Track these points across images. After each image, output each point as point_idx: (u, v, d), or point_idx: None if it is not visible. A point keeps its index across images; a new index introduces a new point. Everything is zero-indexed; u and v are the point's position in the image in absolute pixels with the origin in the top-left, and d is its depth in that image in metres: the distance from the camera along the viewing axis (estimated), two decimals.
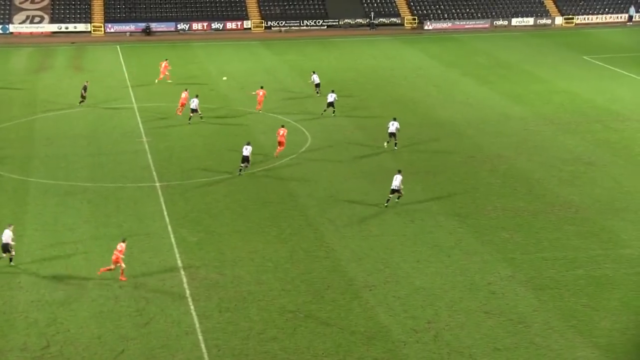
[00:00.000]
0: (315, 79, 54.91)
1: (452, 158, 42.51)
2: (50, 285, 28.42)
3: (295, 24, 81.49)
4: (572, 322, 26.43)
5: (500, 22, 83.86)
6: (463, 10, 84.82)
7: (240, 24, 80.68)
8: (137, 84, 57.81)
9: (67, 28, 78.24)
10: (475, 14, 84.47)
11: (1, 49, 70.18)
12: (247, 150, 39.00)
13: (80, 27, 78.49)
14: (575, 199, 36.82)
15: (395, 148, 43.37)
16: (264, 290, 28.28)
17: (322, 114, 49.43)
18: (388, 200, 35.51)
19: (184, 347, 24.86)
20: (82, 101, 51.19)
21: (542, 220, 34.45)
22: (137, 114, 50.31)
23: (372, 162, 41.85)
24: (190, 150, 43.53)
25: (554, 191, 37.77)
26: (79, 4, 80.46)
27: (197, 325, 26.01)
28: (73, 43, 73.80)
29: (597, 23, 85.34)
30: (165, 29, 79.39)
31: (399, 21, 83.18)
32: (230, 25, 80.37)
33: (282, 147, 41.52)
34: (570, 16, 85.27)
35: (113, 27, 78.70)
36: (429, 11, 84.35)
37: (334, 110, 49.44)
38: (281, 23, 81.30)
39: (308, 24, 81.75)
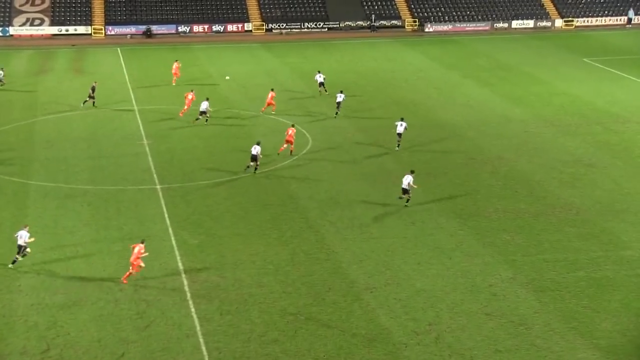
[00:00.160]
0: (319, 77, 55.21)
1: (453, 160, 42.51)
2: (50, 288, 28.39)
3: (296, 27, 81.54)
4: (573, 323, 26.42)
5: (500, 25, 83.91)
6: (463, 13, 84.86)
7: (241, 27, 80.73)
8: (138, 86, 57.84)
9: (67, 30, 78.29)
10: (475, 17, 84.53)
11: (1, 52, 70.19)
12: (255, 150, 39.23)
13: (81, 29, 78.56)
14: (575, 200, 36.81)
15: (397, 149, 43.43)
16: (264, 292, 28.26)
17: (334, 116, 49.67)
18: (400, 198, 35.66)
19: (184, 350, 24.83)
20: (88, 101, 51.27)
21: (543, 222, 34.44)
22: (138, 116, 50.33)
23: (373, 164, 41.85)
24: (191, 152, 43.54)
25: (555, 193, 37.76)
26: (80, 7, 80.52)
27: (198, 327, 25.98)
28: (73, 45, 73.84)
29: (597, 25, 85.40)
30: (166, 32, 79.45)
31: (400, 23, 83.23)
32: (231, 27, 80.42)
33: (286, 146, 41.80)
34: (570, 19, 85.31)
35: (114, 30, 78.77)
36: (430, 13, 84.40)
37: (337, 112, 49.70)
38: (282, 25, 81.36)
39: (309, 26, 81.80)
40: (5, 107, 52.35)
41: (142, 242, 29.34)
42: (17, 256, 29.59)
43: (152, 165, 41.33)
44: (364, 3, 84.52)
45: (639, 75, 61.84)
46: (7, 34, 77.25)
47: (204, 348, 24.89)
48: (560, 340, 25.45)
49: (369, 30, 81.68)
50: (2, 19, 78.30)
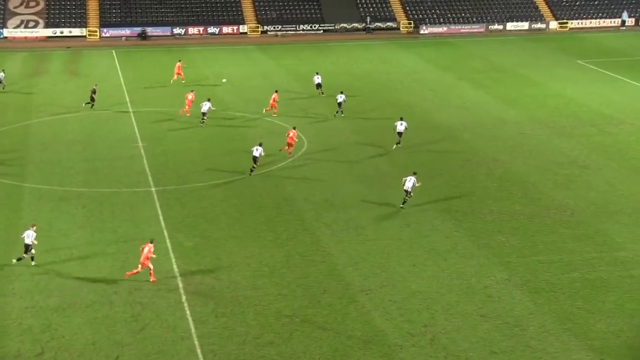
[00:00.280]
0: (317, 79, 55.61)
1: (449, 161, 42.56)
2: (45, 291, 28.34)
3: (292, 29, 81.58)
4: (567, 325, 26.48)
5: (495, 27, 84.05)
6: (458, 15, 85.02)
7: (237, 29, 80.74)
8: (133, 88, 57.79)
9: (62, 33, 78.19)
10: (470, 19, 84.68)
11: None
12: (257, 151, 39.42)
13: (76, 31, 78.45)
14: (570, 202, 36.89)
15: (394, 148, 43.70)
16: (260, 295, 28.25)
17: (334, 115, 50.15)
18: (404, 202, 35.84)
19: (179, 352, 24.80)
20: (89, 103, 51.37)
21: (537, 223, 34.51)
22: (133, 118, 50.27)
23: (368, 166, 41.88)
24: (186, 154, 43.50)
25: (550, 194, 37.84)
26: (74, 9, 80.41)
27: (193, 330, 25.96)
28: (68, 47, 73.73)
29: (591, 27, 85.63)
30: (161, 34, 79.40)
31: (395, 25, 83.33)
32: (226, 29, 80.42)
33: (287, 148, 42.06)
34: (564, 21, 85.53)
35: (108, 32, 78.68)
36: (425, 15, 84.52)
37: (337, 111, 50.18)
38: (277, 27, 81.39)
39: (304, 28, 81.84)
40: None
41: (151, 242, 29.48)
42: (24, 255, 29.75)
43: (147, 167, 41.29)
44: (359, 5, 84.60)
45: (632, 77, 62.02)
46: (2, 36, 77.09)
47: (199, 350, 24.86)
48: (555, 342, 25.50)
49: (364, 32, 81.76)
50: None
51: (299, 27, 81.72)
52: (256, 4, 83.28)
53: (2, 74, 56.95)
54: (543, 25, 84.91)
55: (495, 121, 50.24)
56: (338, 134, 47.41)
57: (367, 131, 47.79)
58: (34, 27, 78.35)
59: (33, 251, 29.85)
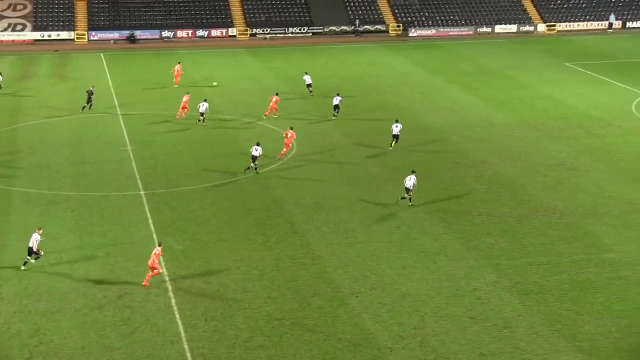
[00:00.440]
0: (307, 79, 56.21)
1: (437, 164, 42.68)
2: (33, 295, 28.20)
3: (280, 32, 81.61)
4: (556, 326, 26.60)
5: (483, 29, 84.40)
6: (447, 18, 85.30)
7: (225, 32, 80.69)
8: (122, 92, 57.63)
9: (50, 36, 77.88)
10: (459, 21, 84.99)
11: None
12: (257, 151, 39.73)
13: (64, 34, 78.15)
14: (559, 204, 37.07)
15: (390, 148, 44.21)
16: (250, 298, 28.23)
17: (334, 117, 50.60)
18: (403, 198, 36.22)
19: (169, 356, 24.74)
20: (86, 107, 51.25)
21: (526, 225, 34.66)
22: (122, 122, 50.13)
23: (357, 168, 41.94)
24: (176, 158, 43.42)
25: (538, 197, 38.01)
26: (62, 12, 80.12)
27: (183, 334, 25.90)
28: (56, 51, 73.44)
29: (579, 30, 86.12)
30: (149, 37, 79.22)
31: (384, 28, 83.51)
32: (215, 32, 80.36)
33: (285, 150, 42.46)
34: (552, 23, 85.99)
35: (97, 35, 78.43)
36: (414, 18, 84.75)
37: (335, 114, 50.62)
38: (266, 30, 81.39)
39: (293, 31, 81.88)
40: None
41: (160, 245, 29.46)
42: (28, 257, 29.77)
43: (136, 171, 41.18)
44: (348, 8, 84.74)
45: (619, 79, 62.41)
46: None
47: (188, 354, 24.81)
48: (543, 343, 25.62)
49: (353, 35, 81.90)
50: None
51: (288, 30, 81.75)
52: (245, 7, 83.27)
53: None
54: (531, 28, 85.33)
55: (484, 123, 50.43)
56: (327, 136, 47.46)
57: (356, 133, 47.85)
58: (22, 30, 77.99)
59: (41, 253, 29.91)
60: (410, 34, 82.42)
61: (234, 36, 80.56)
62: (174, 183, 39.43)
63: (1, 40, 76.91)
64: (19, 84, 59.98)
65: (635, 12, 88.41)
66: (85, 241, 32.60)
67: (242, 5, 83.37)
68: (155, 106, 53.57)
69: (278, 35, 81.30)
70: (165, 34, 79.48)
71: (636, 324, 26.77)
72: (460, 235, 33.62)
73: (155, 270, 28.80)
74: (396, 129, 44.29)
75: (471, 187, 39.20)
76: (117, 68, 66.15)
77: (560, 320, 26.98)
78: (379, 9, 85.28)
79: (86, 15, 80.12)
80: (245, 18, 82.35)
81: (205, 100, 48.87)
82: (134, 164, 42.19)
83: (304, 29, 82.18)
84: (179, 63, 60.19)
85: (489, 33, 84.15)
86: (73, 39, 77.84)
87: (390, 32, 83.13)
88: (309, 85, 56.33)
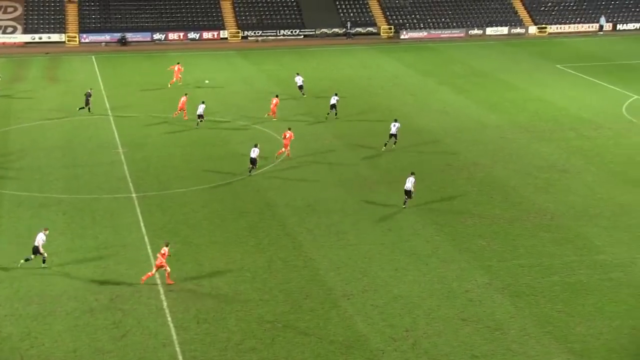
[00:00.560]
0: (298, 80, 56.68)
1: (429, 166, 42.75)
2: (24, 298, 28.08)
3: (272, 34, 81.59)
4: (548, 328, 26.67)
5: (475, 31, 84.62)
6: (438, 20, 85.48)
7: (217, 34, 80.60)
8: (113, 94, 57.49)
9: (40, 38, 77.58)
10: (450, 24, 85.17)
11: None
12: (254, 153, 39.99)
13: (55, 37, 77.87)
14: (550, 206, 37.19)
15: (394, 146, 44.78)
16: (242, 300, 28.20)
17: (326, 117, 50.99)
18: (405, 202, 36.49)
19: (161, 359, 24.67)
20: (83, 108, 51.19)
21: (518, 227, 34.75)
22: (113, 124, 50.01)
23: (349, 170, 41.96)
24: (167, 160, 43.34)
25: (530, 198, 38.12)
26: (53, 14, 79.85)
27: (175, 337, 25.85)
28: (47, 53, 73.19)
29: (570, 32, 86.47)
30: (141, 39, 79.04)
31: (375, 30, 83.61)
32: (206, 35, 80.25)
33: (283, 150, 42.81)
34: (543, 25, 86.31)
35: (88, 37, 78.19)
36: (405, 20, 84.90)
37: (335, 113, 51.18)
38: (258, 33, 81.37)
39: (285, 33, 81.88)
40: None
41: (167, 245, 29.53)
42: (32, 256, 29.95)
43: (128, 173, 41.08)
44: (340, 10, 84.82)
45: (610, 81, 62.69)
46: None
47: (180, 357, 24.75)
48: (535, 345, 25.68)
49: (345, 37, 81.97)
50: None
51: (279, 33, 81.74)
52: (236, 9, 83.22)
53: None
54: (522, 30, 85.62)
55: (475, 125, 50.55)
56: (319, 138, 47.47)
57: (348, 135, 47.88)
58: (12, 32, 77.68)
59: (45, 254, 30.08)
60: (402, 36, 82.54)
61: (226, 38, 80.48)
62: (165, 185, 39.36)
63: None
64: (10, 87, 59.72)
65: (626, 14, 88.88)
66: (77, 244, 32.50)
67: (234, 8, 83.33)
68: (147, 108, 53.47)
69: (270, 37, 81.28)
70: (157, 36, 79.33)
71: (627, 325, 26.88)
72: (452, 237, 33.67)
73: (166, 269, 28.88)
74: (394, 128, 44.75)
75: (463, 189, 39.28)
76: (109, 70, 65.99)
77: (551, 321, 27.05)
78: (371, 11, 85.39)
79: (77, 18, 79.88)
80: (236, 20, 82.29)
81: (203, 102, 49.24)
82: (125, 167, 42.09)
83: (295, 32, 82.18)
84: (178, 63, 60.49)
85: (480, 35, 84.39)
86: (64, 42, 77.57)
87: (381, 34, 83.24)
88: (300, 87, 56.54)
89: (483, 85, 61.79)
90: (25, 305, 27.59)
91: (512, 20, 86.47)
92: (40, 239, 30.04)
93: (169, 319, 26.87)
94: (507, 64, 69.90)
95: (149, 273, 29.02)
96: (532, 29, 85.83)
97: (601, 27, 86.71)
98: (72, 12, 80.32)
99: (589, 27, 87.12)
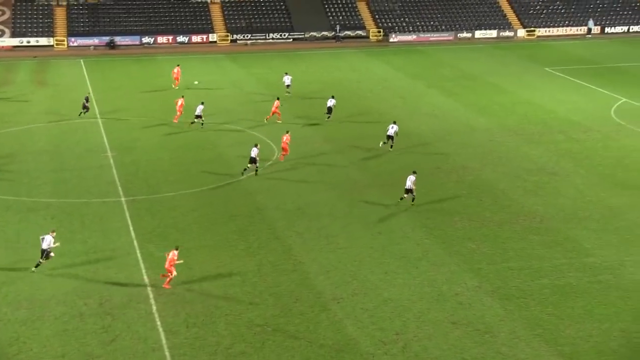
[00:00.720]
0: (287, 80, 57.09)
1: (419, 169, 42.57)
2: (13, 303, 27.89)
3: (261, 37, 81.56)
4: (537, 330, 26.72)
5: (464, 35, 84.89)
6: (427, 23, 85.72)
7: (206, 37, 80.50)
8: (102, 98, 57.27)
9: (28, 42, 77.23)
10: (439, 27, 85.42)
11: None
12: (253, 152, 40.14)
13: (43, 41, 77.51)
14: (539, 209, 37.30)
15: (390, 149, 44.86)
16: (231, 304, 28.11)
17: (326, 120, 51.38)
18: (402, 199, 36.86)
19: None
20: (83, 112, 51.06)
21: (507, 230, 34.83)
22: (102, 128, 49.81)
23: (339, 174, 41.95)
24: (156, 164, 43.20)
25: (519, 201, 38.22)
26: (41, 18, 79.51)
27: (164, 341, 25.73)
28: (35, 57, 72.86)
29: (558, 35, 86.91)
30: (129, 43, 78.83)
31: (365, 34, 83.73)
32: (195, 38, 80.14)
33: (285, 153, 42.97)
34: (532, 29, 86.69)
35: (76, 41, 77.89)
36: (394, 24, 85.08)
37: (329, 116, 51.42)
38: (247, 36, 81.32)
39: (274, 37, 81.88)
40: None
41: (176, 249, 29.40)
42: (41, 260, 29.70)
43: (117, 177, 40.91)
44: (329, 13, 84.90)
45: (599, 84, 63.01)
46: None
47: None
48: (525, 348, 25.72)
49: (334, 41, 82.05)
50: None
51: (268, 36, 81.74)
52: (225, 12, 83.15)
53: None
54: (511, 33, 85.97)
55: (465, 128, 50.67)
56: (309, 142, 47.44)
57: (338, 139, 47.89)
58: (0, 36, 77.26)
59: (52, 255, 29.94)
60: (391, 40, 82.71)
61: (215, 42, 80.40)
62: (154, 189, 39.21)
63: None
64: None
65: (614, 17, 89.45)
66: (66, 248, 32.27)
67: (223, 11, 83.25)
68: (136, 112, 53.29)
69: (259, 40, 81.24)
70: (146, 40, 79.13)
71: (616, 328, 26.97)
72: (442, 240, 33.71)
73: (169, 274, 28.78)
74: (391, 130, 44.98)
75: (452, 192, 39.34)
76: (97, 74, 65.76)
77: (541, 324, 27.11)
78: (360, 15, 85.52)
79: (65, 21, 79.56)
80: (225, 24, 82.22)
81: (202, 103, 49.58)
82: (114, 171, 41.91)
83: (284, 35, 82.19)
84: (178, 66, 60.70)
85: (469, 38, 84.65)
86: (52, 45, 77.25)
87: (370, 37, 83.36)
88: (287, 86, 57.05)
89: (472, 88, 61.96)
90: (14, 310, 27.41)
91: (501, 23, 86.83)
92: (49, 241, 29.83)
93: (159, 323, 26.75)
94: (496, 67, 70.15)
95: (169, 276, 28.80)
96: (521, 32, 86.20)
97: (589, 30, 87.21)
98: (60, 16, 80.00)
99: (577, 30, 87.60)
